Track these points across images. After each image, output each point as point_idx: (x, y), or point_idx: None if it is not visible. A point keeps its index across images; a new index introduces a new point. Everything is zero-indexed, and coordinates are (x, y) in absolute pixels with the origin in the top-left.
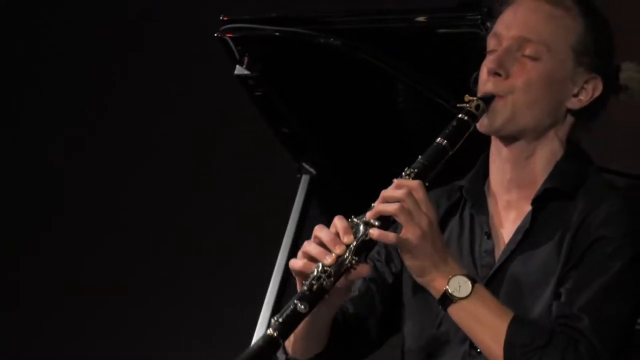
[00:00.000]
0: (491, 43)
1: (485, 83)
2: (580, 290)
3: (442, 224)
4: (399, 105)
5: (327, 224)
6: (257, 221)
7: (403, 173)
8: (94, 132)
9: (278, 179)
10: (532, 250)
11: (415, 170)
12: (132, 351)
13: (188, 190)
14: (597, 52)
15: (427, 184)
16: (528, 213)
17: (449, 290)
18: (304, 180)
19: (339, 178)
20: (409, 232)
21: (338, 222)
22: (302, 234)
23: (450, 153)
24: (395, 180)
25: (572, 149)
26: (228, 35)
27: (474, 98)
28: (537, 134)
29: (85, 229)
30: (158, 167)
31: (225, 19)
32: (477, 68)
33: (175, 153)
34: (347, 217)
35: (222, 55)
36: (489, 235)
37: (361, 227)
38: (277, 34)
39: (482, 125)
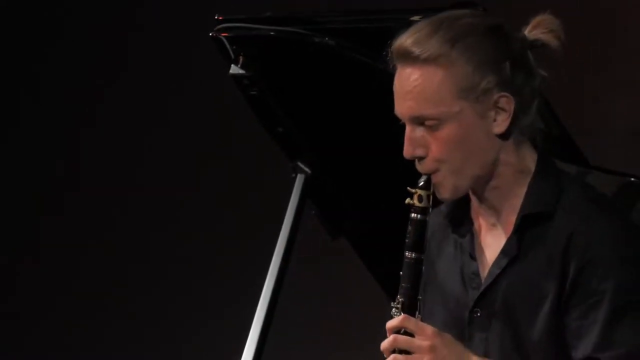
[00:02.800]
0: (395, 112)
1: (417, 166)
2: (589, 328)
3: (438, 251)
4: (394, 105)
5: None
6: (252, 220)
7: (392, 307)
8: (92, 132)
9: (273, 179)
10: (520, 274)
11: (402, 299)
12: (131, 351)
13: (183, 190)
14: (487, 74)
15: (419, 297)
16: (511, 239)
17: None
18: (299, 179)
19: (334, 178)
20: None
21: None
22: (297, 233)
23: (422, 258)
24: (387, 325)
25: (542, 164)
26: (223, 34)
27: (414, 190)
28: (489, 174)
29: (85, 228)
30: (153, 168)
31: (220, 18)
32: None
33: (170, 153)
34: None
35: (217, 54)
36: (473, 257)
37: None
38: (272, 33)
39: (438, 197)
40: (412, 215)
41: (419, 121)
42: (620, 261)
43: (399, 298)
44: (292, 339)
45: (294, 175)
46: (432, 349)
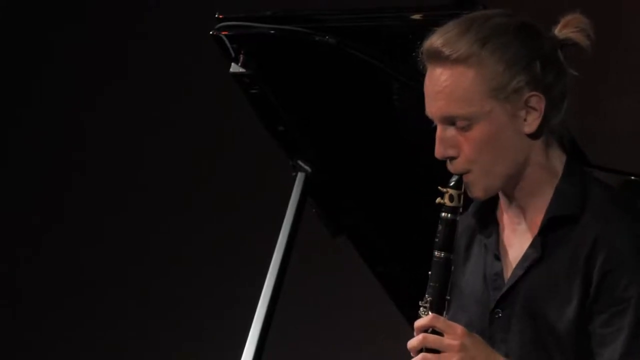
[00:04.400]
0: (426, 112)
1: (448, 166)
2: (613, 335)
3: (466, 249)
4: (394, 103)
5: None
6: (252, 219)
7: (420, 306)
8: (91, 132)
9: (273, 177)
10: (543, 276)
11: (430, 298)
12: (131, 351)
13: (182, 188)
14: (517, 74)
15: (447, 297)
16: (535, 240)
17: None
18: (300, 178)
19: (334, 176)
20: None
21: None
22: (298, 232)
23: (452, 258)
24: (415, 324)
25: (570, 167)
26: (223, 33)
27: (445, 189)
28: (519, 174)
29: (84, 227)
30: (153, 166)
31: (220, 16)
32: None
33: (169, 152)
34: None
35: (218, 53)
36: (497, 258)
37: None
38: (272, 32)
39: (471, 197)
40: (443, 214)
41: (450, 121)
42: None
43: (427, 297)
44: (292, 339)
45: (294, 173)
46: (462, 348)
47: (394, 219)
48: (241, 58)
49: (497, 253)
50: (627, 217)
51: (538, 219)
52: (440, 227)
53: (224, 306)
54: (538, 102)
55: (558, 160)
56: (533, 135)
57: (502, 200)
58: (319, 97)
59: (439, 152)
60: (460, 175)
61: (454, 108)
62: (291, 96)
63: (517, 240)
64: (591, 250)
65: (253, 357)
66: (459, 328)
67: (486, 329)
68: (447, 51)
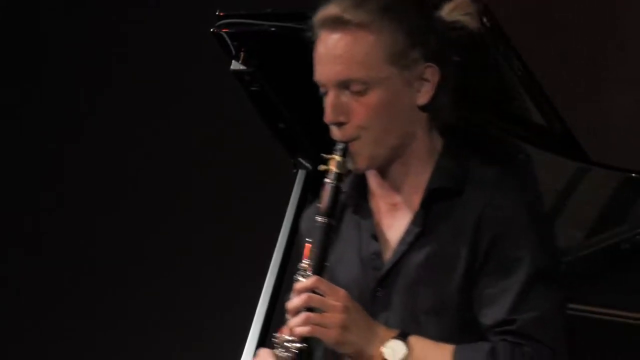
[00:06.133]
0: (317, 78)
1: (334, 133)
2: (503, 294)
3: (339, 225)
4: None
5: None
6: (253, 216)
7: (299, 269)
8: (90, 131)
9: (274, 174)
10: (427, 250)
11: (310, 262)
12: (131, 351)
13: (182, 187)
14: (415, 44)
15: (327, 264)
16: (417, 215)
17: (388, 359)
18: (300, 175)
19: None
20: (331, 330)
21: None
22: (298, 229)
23: (334, 224)
24: (294, 286)
25: (450, 143)
26: (224, 30)
27: (330, 156)
28: (406, 145)
29: (83, 227)
30: (152, 166)
31: (221, 14)
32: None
33: (169, 150)
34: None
35: (218, 50)
36: (375, 238)
37: (286, 348)
38: (273, 29)
39: (352, 168)
40: (327, 181)
41: (346, 85)
42: (533, 231)
43: (308, 261)
44: None
45: (295, 170)
46: (345, 310)
47: None
48: (242, 55)
49: (374, 233)
50: (514, 186)
51: (417, 197)
52: (323, 194)
53: (224, 306)
54: (433, 74)
55: (439, 140)
56: (423, 108)
57: (373, 182)
58: (320, 95)
59: (330, 117)
60: (346, 144)
61: (353, 71)
62: (291, 93)
63: (395, 221)
64: (479, 218)
65: (253, 357)
66: (341, 291)
67: (368, 308)
68: (347, 17)
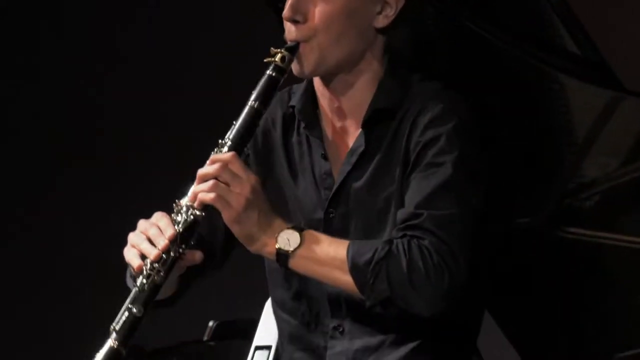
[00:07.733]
0: None
1: (288, 31)
2: (417, 192)
3: (284, 142)
4: None
5: None
6: None
7: (218, 144)
8: (89, 128)
9: None
10: (370, 169)
11: (229, 140)
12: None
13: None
14: None
15: (247, 149)
16: (360, 135)
17: (281, 248)
18: None
19: None
20: (233, 206)
21: (157, 219)
22: None
23: (263, 112)
24: (211, 156)
25: (393, 65)
26: None
27: (278, 50)
28: (353, 62)
29: (83, 227)
30: (152, 166)
31: None
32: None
33: (169, 149)
34: None
35: (219, 45)
36: (325, 157)
37: (184, 213)
38: None
39: (295, 71)
40: (269, 72)
41: None
42: (459, 141)
43: (229, 137)
44: None
45: None
46: (252, 192)
47: None
48: None
49: (324, 152)
50: (450, 97)
51: (361, 116)
52: (262, 82)
53: (224, 306)
54: (396, 0)
55: (386, 64)
56: (379, 31)
57: (323, 103)
58: None
59: (288, 13)
60: (298, 43)
61: None
62: None
63: (341, 142)
64: (410, 129)
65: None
66: (253, 175)
67: (321, 229)
68: None
